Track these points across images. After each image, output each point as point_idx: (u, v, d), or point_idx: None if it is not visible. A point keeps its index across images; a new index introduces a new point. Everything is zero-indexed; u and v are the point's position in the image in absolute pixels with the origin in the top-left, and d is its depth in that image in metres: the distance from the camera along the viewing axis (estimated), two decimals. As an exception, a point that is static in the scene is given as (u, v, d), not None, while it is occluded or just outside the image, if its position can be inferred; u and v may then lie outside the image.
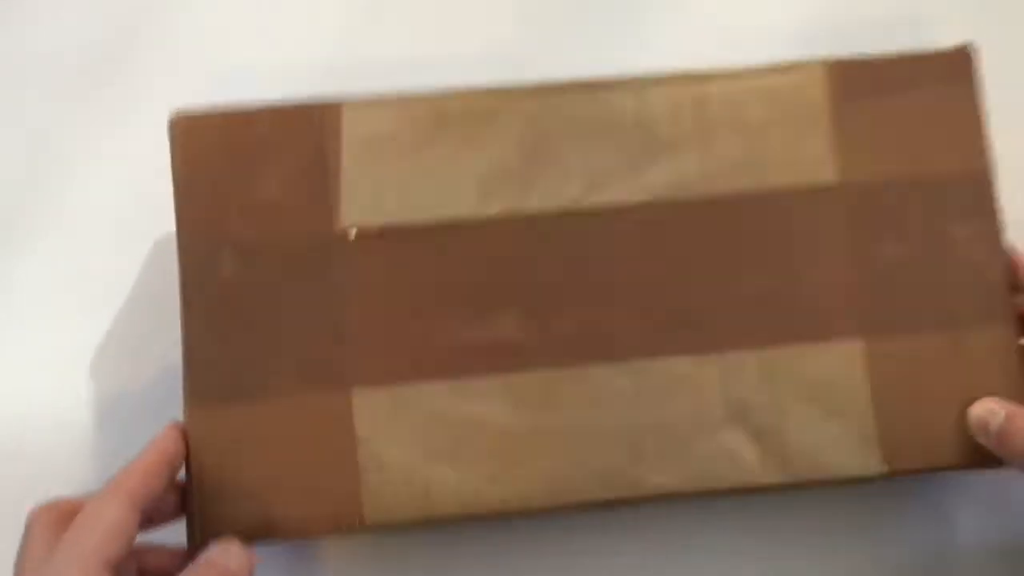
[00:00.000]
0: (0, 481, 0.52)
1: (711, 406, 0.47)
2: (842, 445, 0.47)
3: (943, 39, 0.50)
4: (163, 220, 0.49)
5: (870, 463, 0.47)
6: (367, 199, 0.48)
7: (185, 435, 0.46)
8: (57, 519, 0.41)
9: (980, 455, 0.47)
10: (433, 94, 0.49)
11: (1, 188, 0.55)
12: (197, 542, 0.45)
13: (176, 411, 0.47)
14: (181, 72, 0.56)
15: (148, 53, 0.56)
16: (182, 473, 0.46)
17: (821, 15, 0.56)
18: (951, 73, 0.50)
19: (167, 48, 0.56)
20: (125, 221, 0.54)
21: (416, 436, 0.46)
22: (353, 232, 0.48)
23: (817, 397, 0.47)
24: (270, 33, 0.56)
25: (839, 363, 0.47)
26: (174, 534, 0.46)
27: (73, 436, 0.52)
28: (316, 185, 0.48)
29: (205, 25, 0.57)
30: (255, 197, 0.48)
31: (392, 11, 0.57)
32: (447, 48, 0.56)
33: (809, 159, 0.49)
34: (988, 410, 0.46)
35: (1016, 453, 0.44)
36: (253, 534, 0.45)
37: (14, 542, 0.48)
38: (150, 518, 0.44)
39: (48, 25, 0.57)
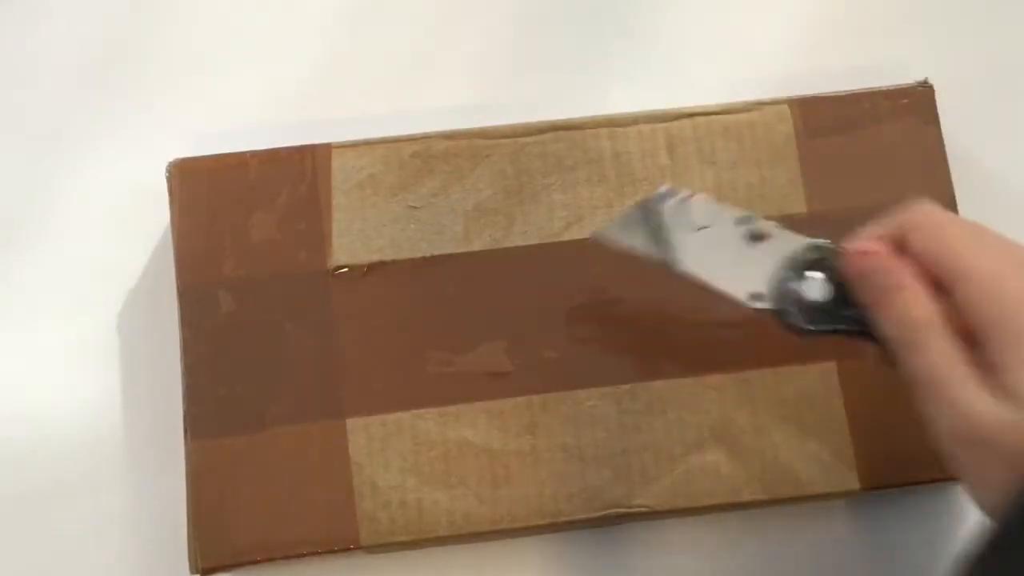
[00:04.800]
0: (1, 479, 0.52)
1: (693, 427, 0.49)
2: (820, 462, 0.48)
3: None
4: (162, 219, 0.51)
5: (847, 479, 0.48)
6: (357, 237, 0.50)
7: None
8: None
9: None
10: (419, 136, 0.51)
11: (1, 188, 0.56)
12: (198, 568, 0.47)
13: (175, 410, 0.49)
14: (180, 75, 0.57)
15: (148, 54, 0.57)
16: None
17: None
18: (912, 107, 0.52)
19: (166, 51, 0.57)
20: (125, 220, 0.55)
21: (408, 461, 0.48)
22: (344, 270, 0.50)
23: (795, 416, 0.49)
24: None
25: (815, 384, 0.49)
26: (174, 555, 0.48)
27: (74, 435, 0.53)
28: (308, 225, 0.50)
29: (199, 49, 0.58)
30: (250, 237, 0.50)
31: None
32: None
33: (778, 192, 0.51)
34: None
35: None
36: (251, 558, 0.47)
37: (15, 538, 0.49)
38: None
39: (49, 27, 0.57)
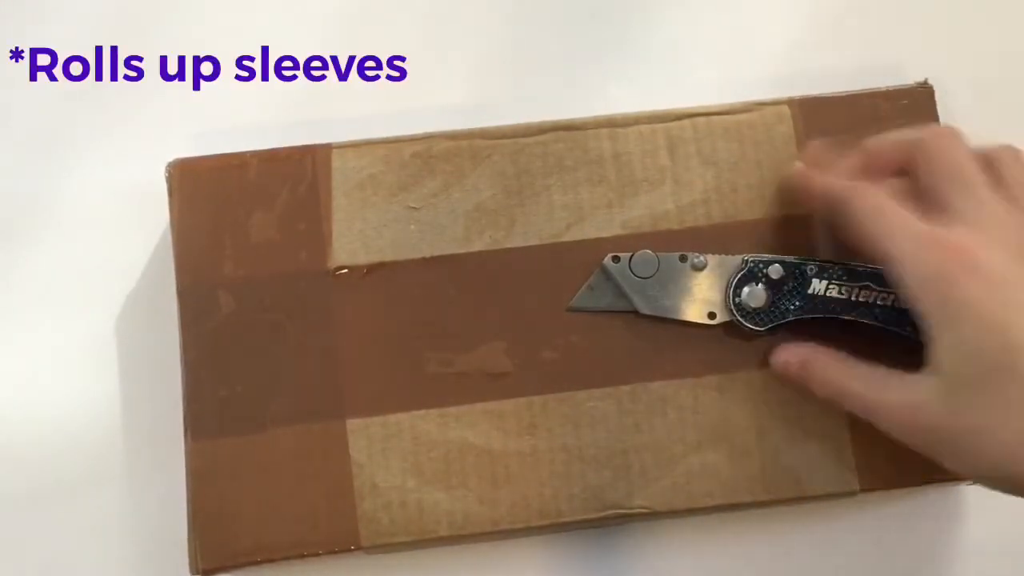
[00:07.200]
0: (1, 479, 0.53)
1: (693, 427, 0.49)
2: (820, 464, 0.48)
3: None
4: (162, 219, 0.51)
5: (847, 480, 0.48)
6: (357, 238, 0.50)
7: None
8: None
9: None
10: (419, 136, 0.51)
11: (1, 188, 0.55)
12: (198, 568, 0.47)
13: (175, 410, 0.49)
14: (179, 74, 0.57)
15: (148, 53, 0.57)
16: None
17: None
18: (912, 107, 0.52)
19: (166, 50, 0.57)
20: (125, 220, 0.55)
21: (408, 462, 0.48)
22: (344, 270, 0.50)
23: (795, 416, 0.49)
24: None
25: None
26: (173, 555, 0.48)
27: (74, 435, 0.53)
28: (308, 225, 0.50)
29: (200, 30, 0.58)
30: (250, 238, 0.50)
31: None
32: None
33: (779, 193, 0.51)
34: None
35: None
36: (251, 559, 0.47)
37: (15, 538, 0.49)
38: None
39: (49, 25, 0.57)
